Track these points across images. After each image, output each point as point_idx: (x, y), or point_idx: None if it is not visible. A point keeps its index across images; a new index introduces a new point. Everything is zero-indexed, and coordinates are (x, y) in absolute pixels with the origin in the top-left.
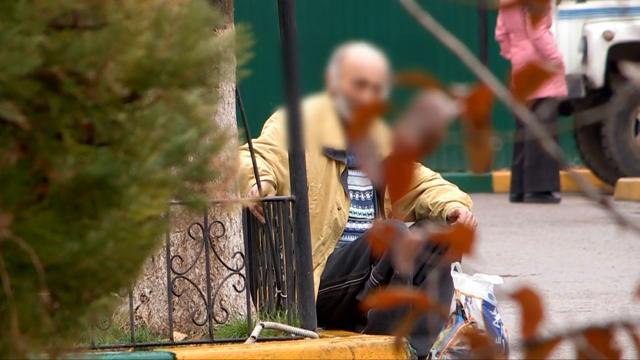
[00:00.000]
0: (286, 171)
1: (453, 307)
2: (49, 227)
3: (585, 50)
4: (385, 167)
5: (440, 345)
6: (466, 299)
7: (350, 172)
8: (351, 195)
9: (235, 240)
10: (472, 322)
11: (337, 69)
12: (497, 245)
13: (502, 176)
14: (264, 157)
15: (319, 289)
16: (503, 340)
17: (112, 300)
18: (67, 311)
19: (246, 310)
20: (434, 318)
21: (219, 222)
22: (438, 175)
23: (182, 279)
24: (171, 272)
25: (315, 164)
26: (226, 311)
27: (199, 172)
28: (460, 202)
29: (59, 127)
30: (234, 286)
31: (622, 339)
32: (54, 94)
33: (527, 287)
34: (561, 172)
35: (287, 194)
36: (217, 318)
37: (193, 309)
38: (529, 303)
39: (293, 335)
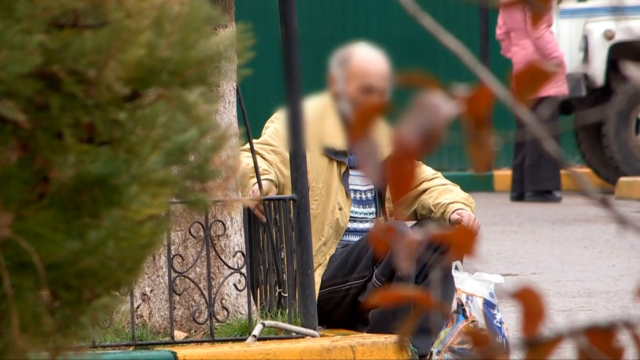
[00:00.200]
0: (287, 172)
1: (454, 306)
2: (49, 226)
3: (586, 49)
4: (386, 166)
5: (441, 344)
6: (467, 298)
7: (351, 172)
8: (352, 195)
9: (236, 239)
10: (473, 321)
11: (343, 72)
12: (497, 244)
13: (503, 175)
14: (264, 158)
15: (321, 289)
16: (504, 339)
17: (113, 299)
18: (67, 310)
19: (247, 309)
20: (435, 317)
21: (219, 221)
22: (439, 174)
23: (183, 277)
24: (172, 271)
25: (316, 165)
26: (227, 310)
27: (199, 171)
28: (463, 203)
29: (59, 126)
30: (234, 285)
31: (623, 338)
32: (55, 92)
33: (527, 286)
34: (562, 171)
35: (288, 194)
36: (218, 317)
37: (194, 307)
38: (530, 302)
39: (294, 334)
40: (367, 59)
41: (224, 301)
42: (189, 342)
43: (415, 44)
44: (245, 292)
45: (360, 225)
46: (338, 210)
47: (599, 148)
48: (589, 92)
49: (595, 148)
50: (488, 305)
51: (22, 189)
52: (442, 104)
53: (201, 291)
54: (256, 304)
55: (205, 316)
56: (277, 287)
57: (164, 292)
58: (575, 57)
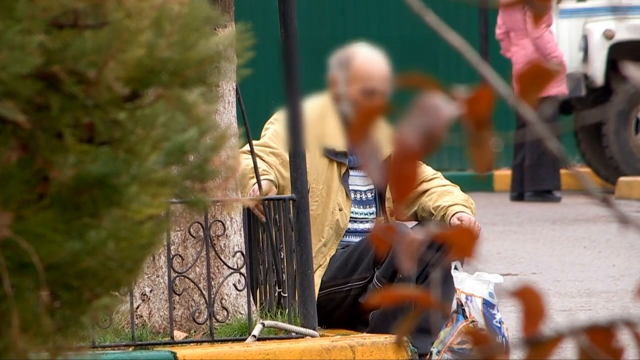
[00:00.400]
0: (287, 174)
1: (454, 306)
2: (49, 226)
3: (585, 49)
4: (388, 167)
5: (441, 344)
6: (467, 298)
7: (351, 172)
8: (352, 195)
9: (235, 239)
10: (473, 321)
11: (344, 73)
12: (497, 244)
13: (503, 175)
14: (264, 160)
15: (321, 290)
16: (504, 339)
17: (112, 300)
18: (67, 310)
19: (247, 309)
20: (435, 317)
21: (219, 221)
22: (439, 174)
23: (182, 277)
24: (172, 271)
25: (316, 166)
26: (227, 310)
27: (199, 171)
28: (462, 205)
29: (59, 126)
30: (234, 285)
31: (624, 338)
32: (55, 93)
33: (528, 285)
34: (562, 171)
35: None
36: (217, 317)
37: (194, 307)
38: (530, 301)
39: (294, 334)
40: (369, 62)
41: (223, 301)
42: (189, 342)
43: (415, 44)
44: (245, 292)
45: (361, 226)
46: (338, 211)
47: (598, 148)
48: (588, 92)
49: (595, 148)
50: (487, 305)
51: (22, 189)
52: (443, 106)
53: (201, 291)
54: (256, 304)
55: (205, 316)
56: (276, 287)
57: (163, 292)
58: (575, 57)
